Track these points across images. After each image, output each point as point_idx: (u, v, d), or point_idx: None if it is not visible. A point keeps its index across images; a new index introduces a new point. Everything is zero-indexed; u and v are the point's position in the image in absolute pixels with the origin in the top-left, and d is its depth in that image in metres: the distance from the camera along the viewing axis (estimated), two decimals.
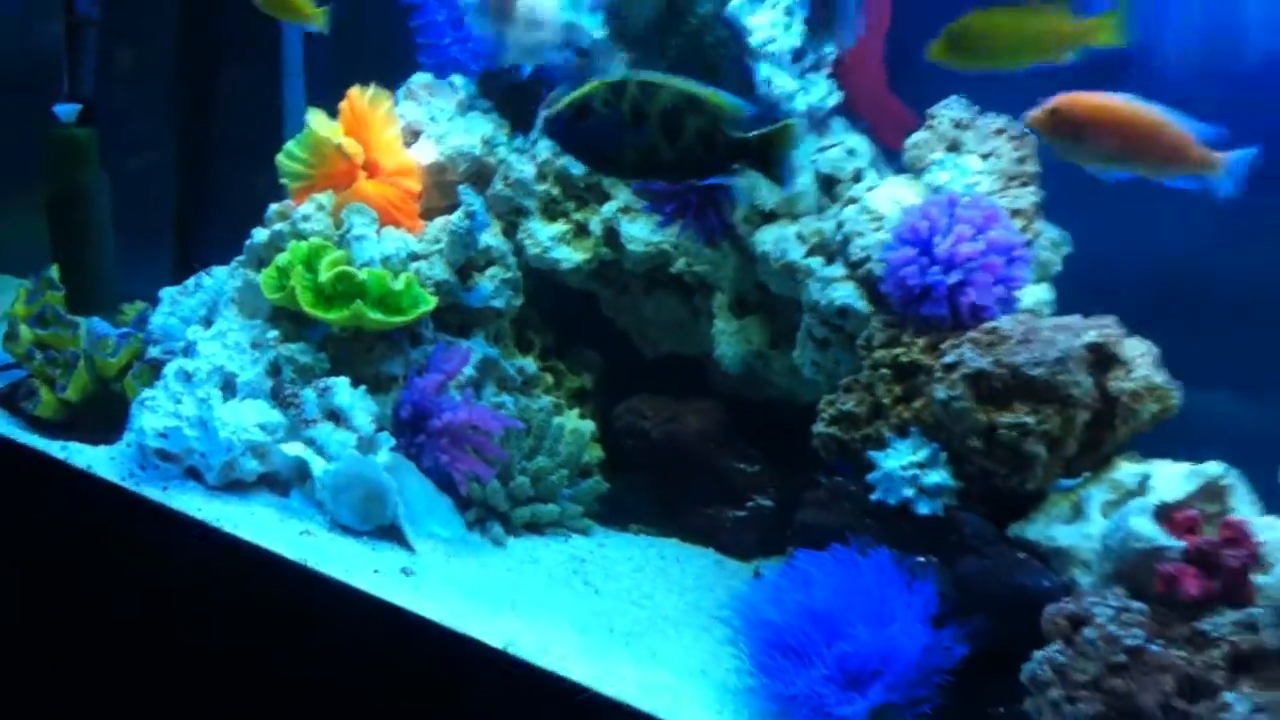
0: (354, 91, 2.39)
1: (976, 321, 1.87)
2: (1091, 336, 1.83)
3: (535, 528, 2.31)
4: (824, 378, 2.09)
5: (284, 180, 2.42)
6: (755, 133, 1.84)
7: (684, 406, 2.32)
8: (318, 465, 2.23)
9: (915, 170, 2.08)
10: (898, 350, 1.92)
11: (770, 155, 1.85)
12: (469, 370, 2.30)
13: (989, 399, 1.80)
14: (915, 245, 1.88)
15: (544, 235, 2.32)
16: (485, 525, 2.27)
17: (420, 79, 2.50)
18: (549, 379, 2.43)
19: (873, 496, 1.88)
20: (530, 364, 2.40)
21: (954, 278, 1.86)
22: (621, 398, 2.41)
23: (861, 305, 2.00)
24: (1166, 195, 2.09)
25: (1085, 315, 1.91)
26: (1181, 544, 1.68)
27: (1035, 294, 2.01)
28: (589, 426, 2.37)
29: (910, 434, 1.87)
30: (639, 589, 2.18)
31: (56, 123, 2.75)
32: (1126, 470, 1.83)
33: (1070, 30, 1.91)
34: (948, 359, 1.84)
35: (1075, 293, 2.06)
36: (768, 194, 2.11)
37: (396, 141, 2.39)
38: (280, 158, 2.42)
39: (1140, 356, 1.83)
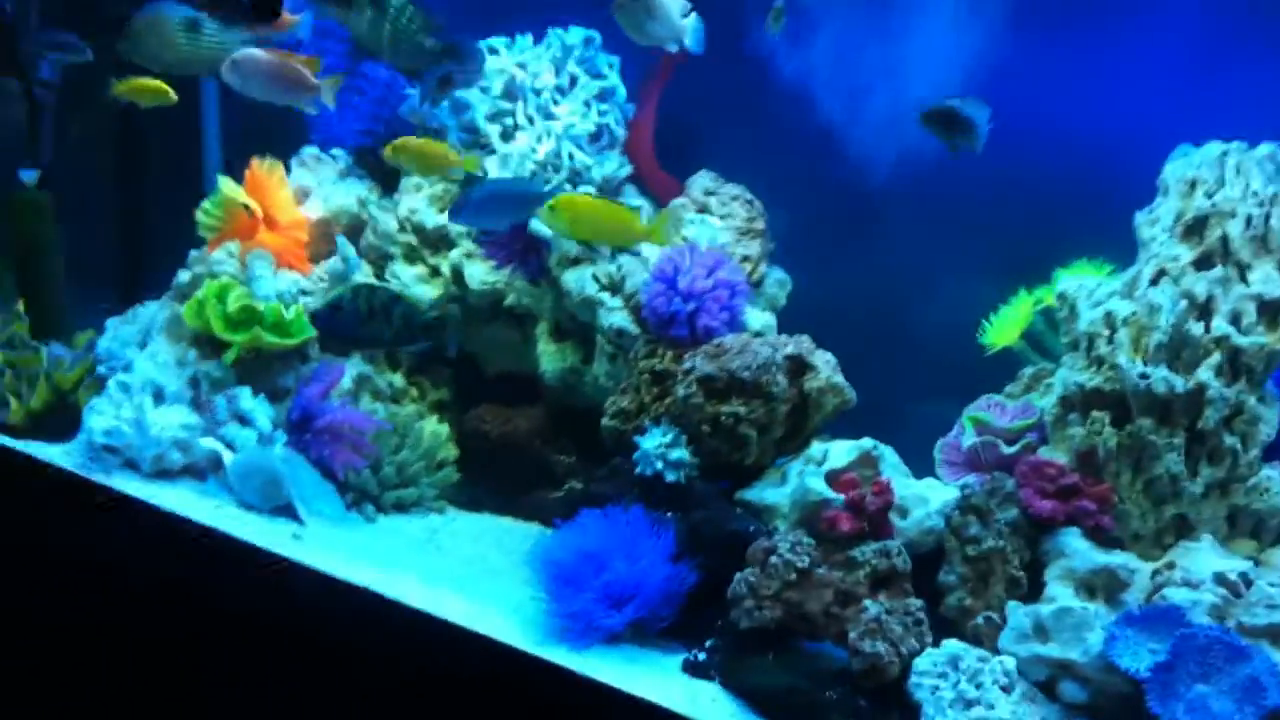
0: (255, 161, 3.02)
1: (708, 339, 2.52)
2: (790, 349, 2.48)
3: (401, 508, 2.89)
4: (614, 384, 2.72)
5: (201, 232, 3.06)
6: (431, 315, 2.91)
7: (516, 413, 2.91)
8: (227, 456, 2.85)
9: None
10: (654, 360, 2.55)
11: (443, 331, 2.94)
12: (348, 383, 2.92)
13: (714, 395, 2.45)
14: (664, 282, 2.53)
15: (406, 276, 2.94)
16: (360, 505, 2.85)
17: (310, 151, 3.12)
18: (414, 392, 3.05)
19: (635, 470, 2.53)
20: (398, 379, 3.02)
21: (691, 306, 2.52)
22: (473, 408, 3.05)
23: (632, 328, 2.64)
24: (861, 253, 2.79)
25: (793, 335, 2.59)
26: (842, 496, 2.35)
27: (762, 319, 2.66)
28: (445, 429, 2.96)
29: (661, 422, 2.52)
30: (476, 553, 2.75)
31: (20, 185, 3.35)
32: (816, 447, 2.47)
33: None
34: (686, 366, 2.49)
35: (799, 319, 2.74)
36: (571, 244, 2.77)
37: (289, 201, 3.02)
38: (198, 214, 3.04)
39: (825, 364, 2.48)
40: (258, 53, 2.63)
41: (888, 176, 2.74)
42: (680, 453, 2.46)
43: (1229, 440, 2.14)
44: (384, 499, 2.89)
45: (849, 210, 2.81)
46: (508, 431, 2.91)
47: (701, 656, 2.31)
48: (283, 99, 2.68)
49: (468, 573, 2.66)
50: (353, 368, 2.94)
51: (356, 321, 2.84)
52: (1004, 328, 2.57)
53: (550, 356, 2.84)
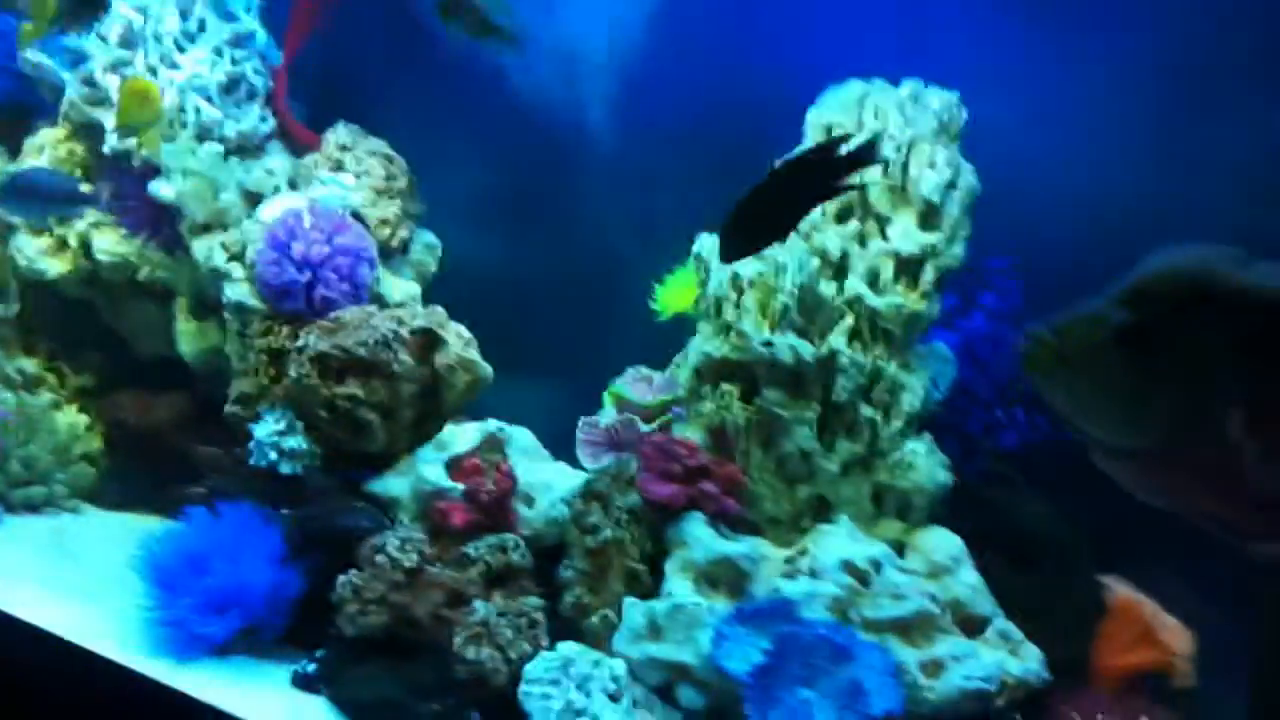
0: None
1: (327, 312, 2.26)
2: (420, 323, 2.23)
3: (31, 507, 2.61)
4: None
5: None
6: None
7: (157, 400, 2.61)
8: None
9: (303, 186, 2.47)
10: (270, 339, 2.27)
11: None
12: None
13: (330, 376, 2.18)
14: (277, 249, 2.25)
15: (30, 249, 2.62)
16: None
17: None
18: (52, 379, 2.73)
19: (250, 461, 2.25)
20: (31, 364, 2.70)
21: (306, 276, 2.24)
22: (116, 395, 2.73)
23: (253, 302, 2.35)
24: (533, 214, 2.54)
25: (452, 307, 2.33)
26: (459, 486, 2.10)
27: (404, 289, 2.39)
28: (83, 420, 2.66)
29: (276, 408, 2.25)
30: (103, 556, 2.47)
31: None
32: (449, 431, 2.23)
33: None
34: (299, 343, 2.22)
35: (463, 287, 2.48)
36: (197, 208, 2.47)
37: None
38: None
39: (458, 339, 2.23)
40: None
41: (562, 130, 2.49)
42: (296, 441, 2.20)
43: (867, 412, 1.94)
44: (11, 497, 2.58)
45: (519, 167, 2.56)
46: (148, 421, 2.61)
47: (310, 667, 2.05)
48: None
49: (89, 578, 2.37)
50: None
51: None
52: (676, 293, 2.33)
53: (189, 336, 2.54)
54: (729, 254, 1.64)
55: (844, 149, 1.61)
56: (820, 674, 1.72)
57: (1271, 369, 1.10)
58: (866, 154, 1.61)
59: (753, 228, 1.62)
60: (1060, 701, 1.92)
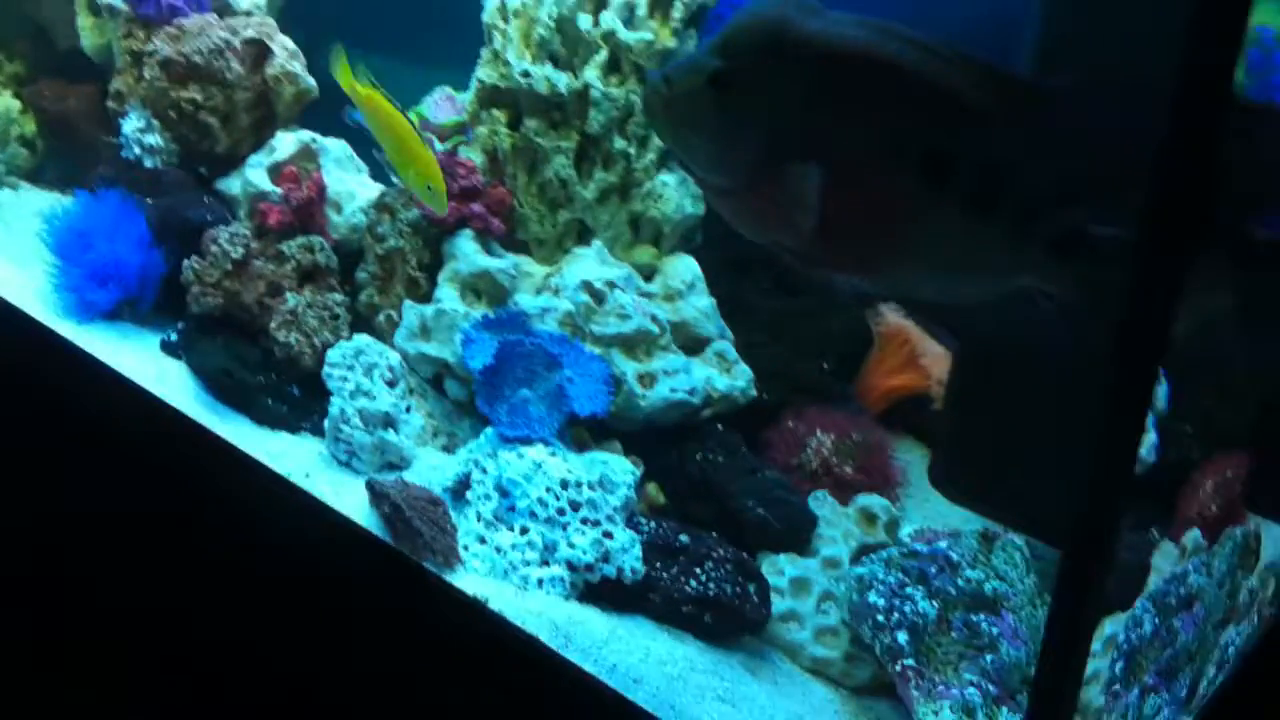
0: None
1: (173, 18, 2.26)
2: (250, 33, 2.23)
3: None
4: None
5: None
6: None
7: (72, 89, 2.64)
8: None
9: None
10: (132, 41, 2.31)
11: None
12: None
13: (176, 80, 2.22)
14: None
15: None
16: None
17: None
18: None
19: (121, 153, 2.33)
20: None
21: None
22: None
23: (118, 3, 2.32)
24: None
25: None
26: (278, 190, 2.17)
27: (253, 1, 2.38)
28: (15, 104, 2.74)
29: (138, 106, 2.29)
30: (35, 226, 2.64)
31: None
32: (277, 139, 2.25)
33: None
34: (149, 48, 2.25)
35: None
36: None
37: None
38: None
39: (283, 50, 2.24)
40: None
41: None
42: (154, 138, 2.27)
43: (620, 144, 1.93)
44: None
45: None
46: (61, 109, 2.67)
47: (173, 337, 2.21)
48: None
49: (24, 247, 2.52)
50: None
51: None
52: None
53: (89, 32, 2.55)
54: None
55: None
56: (537, 377, 1.83)
57: (821, 114, 1.12)
58: None
59: None
60: (792, 416, 1.98)
